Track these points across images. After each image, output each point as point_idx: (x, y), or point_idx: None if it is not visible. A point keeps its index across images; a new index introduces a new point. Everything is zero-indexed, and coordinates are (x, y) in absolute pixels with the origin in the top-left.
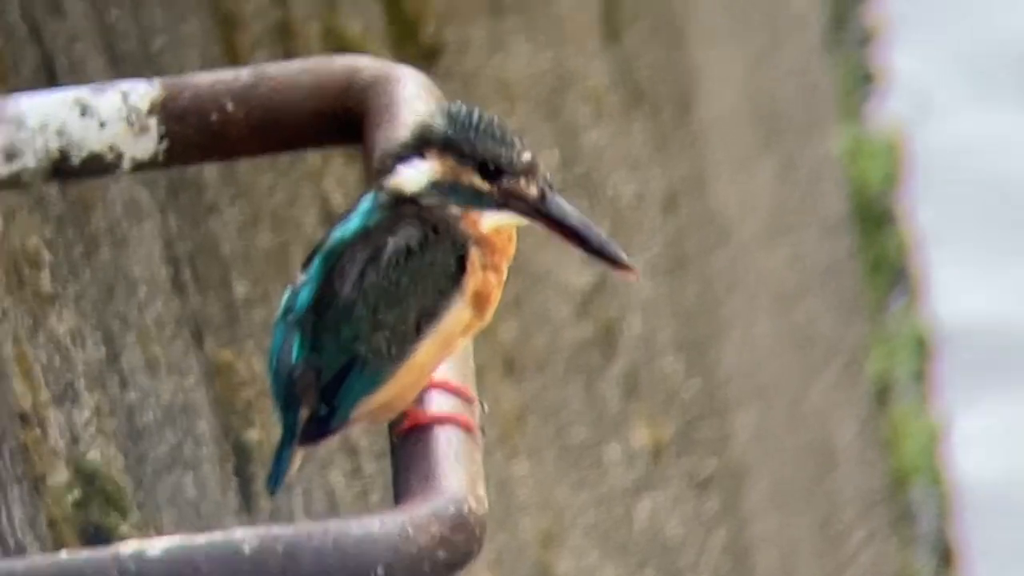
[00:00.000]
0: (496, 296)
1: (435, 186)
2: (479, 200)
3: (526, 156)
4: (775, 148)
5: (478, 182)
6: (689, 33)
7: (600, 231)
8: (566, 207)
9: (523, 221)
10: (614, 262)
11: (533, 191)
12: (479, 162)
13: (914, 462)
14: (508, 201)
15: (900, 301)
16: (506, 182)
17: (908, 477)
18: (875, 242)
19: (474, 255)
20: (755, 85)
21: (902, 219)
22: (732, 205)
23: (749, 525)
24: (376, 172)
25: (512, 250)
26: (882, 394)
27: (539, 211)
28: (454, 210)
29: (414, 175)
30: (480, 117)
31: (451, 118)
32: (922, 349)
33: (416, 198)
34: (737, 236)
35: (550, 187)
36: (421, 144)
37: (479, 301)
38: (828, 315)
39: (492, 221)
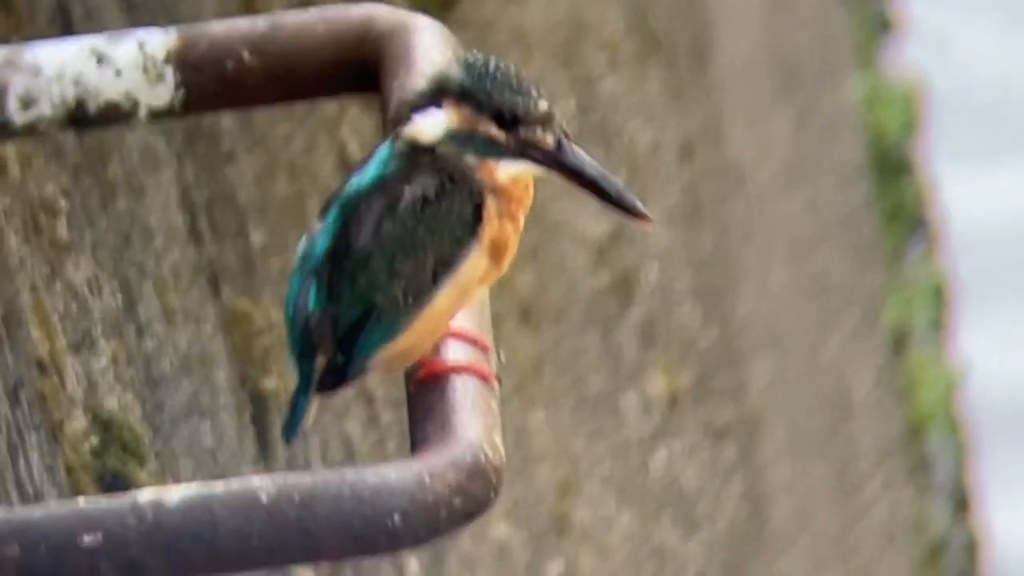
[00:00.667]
0: (513, 245)
1: (452, 136)
2: (496, 150)
3: (543, 105)
4: (792, 96)
5: (495, 132)
6: None
7: (617, 181)
8: (583, 156)
9: (540, 171)
10: (631, 212)
11: (550, 140)
12: (495, 112)
13: (931, 410)
14: (525, 151)
15: (917, 249)
16: (523, 132)
17: (924, 425)
18: (892, 190)
19: (491, 204)
20: (772, 33)
21: (919, 167)
22: (748, 153)
23: (765, 474)
24: (392, 121)
25: (529, 199)
26: (899, 342)
27: (556, 160)
28: (471, 160)
29: (431, 124)
30: (497, 66)
31: (468, 68)
32: (939, 297)
33: (433, 147)
34: (753, 184)
35: (567, 136)
36: (438, 94)
37: (496, 250)
38: (845, 264)
39: (509, 171)
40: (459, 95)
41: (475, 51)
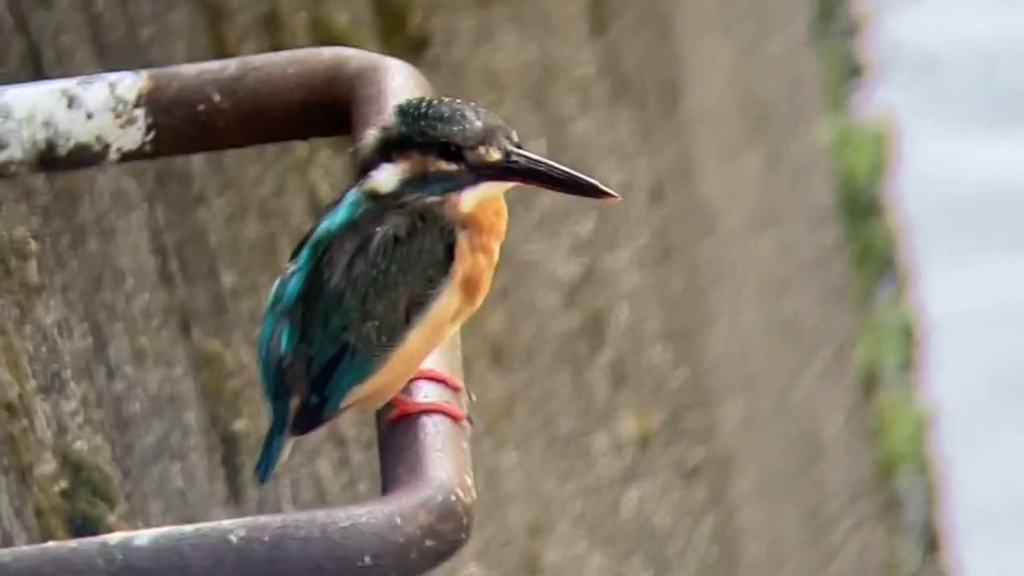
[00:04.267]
0: (487, 279)
1: (407, 184)
2: (452, 183)
3: (477, 125)
4: (762, 139)
5: (444, 166)
6: (676, 24)
7: (570, 169)
8: (532, 158)
9: (501, 186)
10: (593, 193)
11: (496, 155)
12: (439, 148)
13: (901, 451)
14: (478, 174)
15: (887, 291)
16: (469, 157)
17: (895, 466)
18: (862, 232)
19: (462, 240)
20: (742, 76)
21: (889, 209)
22: (719, 195)
23: (736, 514)
24: (356, 177)
25: (502, 226)
26: (869, 383)
27: (508, 171)
28: (433, 199)
29: (386, 178)
30: (429, 103)
31: (402, 114)
32: (909, 339)
33: (394, 197)
34: (724, 226)
35: (514, 143)
36: (385, 147)
37: (469, 286)
38: (815, 305)
39: (471, 199)
40: (402, 143)
41: (410, 96)
